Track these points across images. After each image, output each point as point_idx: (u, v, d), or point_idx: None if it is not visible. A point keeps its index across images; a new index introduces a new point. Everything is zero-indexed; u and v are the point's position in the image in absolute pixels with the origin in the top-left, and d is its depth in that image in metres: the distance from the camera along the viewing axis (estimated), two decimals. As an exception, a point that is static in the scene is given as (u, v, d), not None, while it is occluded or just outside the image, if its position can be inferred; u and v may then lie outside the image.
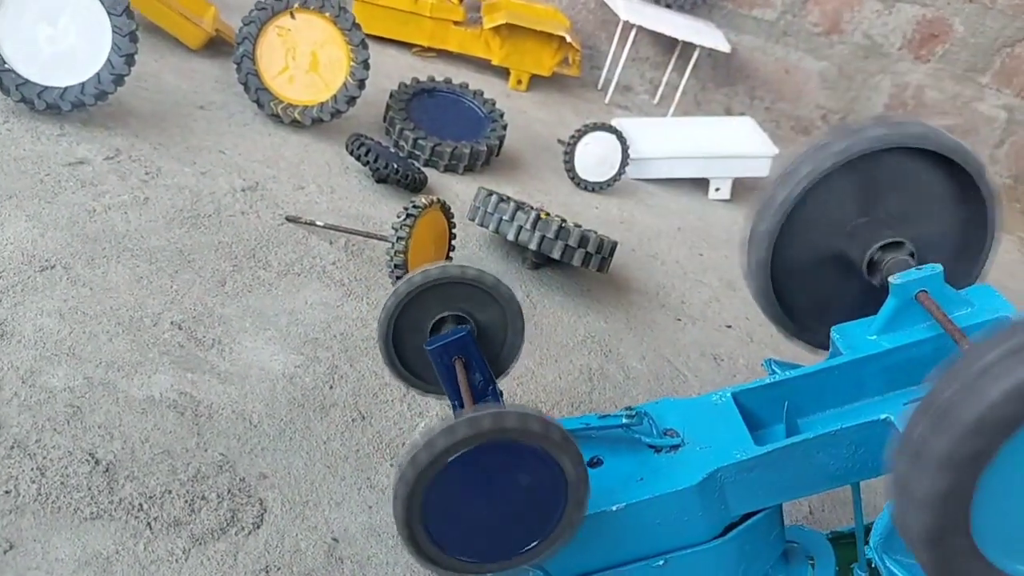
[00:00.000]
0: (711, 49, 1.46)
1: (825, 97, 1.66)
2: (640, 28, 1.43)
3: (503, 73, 1.40)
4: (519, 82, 1.40)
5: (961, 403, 0.36)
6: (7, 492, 0.48)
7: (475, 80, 1.24)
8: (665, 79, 1.56)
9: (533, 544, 0.43)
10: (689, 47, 1.48)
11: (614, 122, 1.22)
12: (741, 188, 1.27)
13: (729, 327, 0.92)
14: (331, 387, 0.64)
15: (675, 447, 0.49)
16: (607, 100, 1.48)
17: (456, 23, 1.38)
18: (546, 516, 0.42)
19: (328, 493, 0.55)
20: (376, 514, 0.55)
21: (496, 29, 1.35)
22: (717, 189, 1.24)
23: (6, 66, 0.82)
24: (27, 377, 0.56)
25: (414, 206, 0.73)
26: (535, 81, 1.43)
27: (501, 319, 0.52)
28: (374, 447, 0.60)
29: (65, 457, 0.51)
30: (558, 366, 0.76)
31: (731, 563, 0.48)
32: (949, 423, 0.36)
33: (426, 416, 0.64)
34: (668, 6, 1.49)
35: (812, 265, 0.54)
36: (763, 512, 0.48)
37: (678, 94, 1.51)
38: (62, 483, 0.50)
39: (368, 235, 0.79)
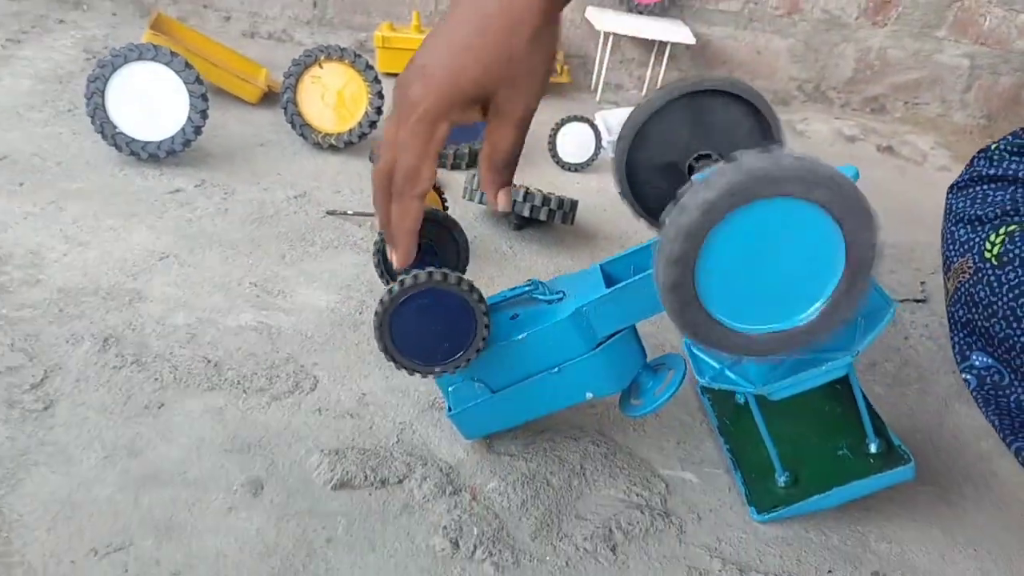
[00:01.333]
0: (680, 43, 1.71)
1: (797, 70, 1.88)
2: (616, 35, 1.69)
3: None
4: (518, 94, 1.67)
5: (688, 201, 0.57)
6: (156, 379, 0.77)
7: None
8: (648, 74, 1.80)
9: (458, 355, 0.68)
10: (662, 44, 1.73)
11: (597, 114, 1.48)
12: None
13: (679, 256, 1.16)
14: (360, 313, 0.91)
15: (559, 300, 0.73)
16: (598, 99, 1.74)
17: (461, 54, 1.66)
18: (464, 338, 0.67)
19: (359, 372, 0.82)
20: (391, 381, 0.81)
21: (492, 53, 1.63)
22: (686, 157, 1.48)
23: (118, 130, 1.14)
24: (159, 320, 0.85)
25: (411, 186, 1.00)
26: (533, 92, 1.70)
27: None
28: (391, 346, 0.87)
29: (188, 360, 0.80)
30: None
31: (604, 367, 0.71)
32: (684, 210, 0.52)
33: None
34: (640, 12, 1.75)
35: (655, 171, 0.72)
36: (621, 332, 0.72)
37: (658, 86, 1.75)
38: (188, 372, 0.78)
39: (384, 214, 1.07)
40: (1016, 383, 0.89)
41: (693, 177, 0.56)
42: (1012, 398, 0.89)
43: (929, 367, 0.99)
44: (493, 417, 0.72)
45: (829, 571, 0.69)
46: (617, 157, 0.72)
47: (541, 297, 0.72)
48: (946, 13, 1.83)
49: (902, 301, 1.13)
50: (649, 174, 0.74)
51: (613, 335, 0.69)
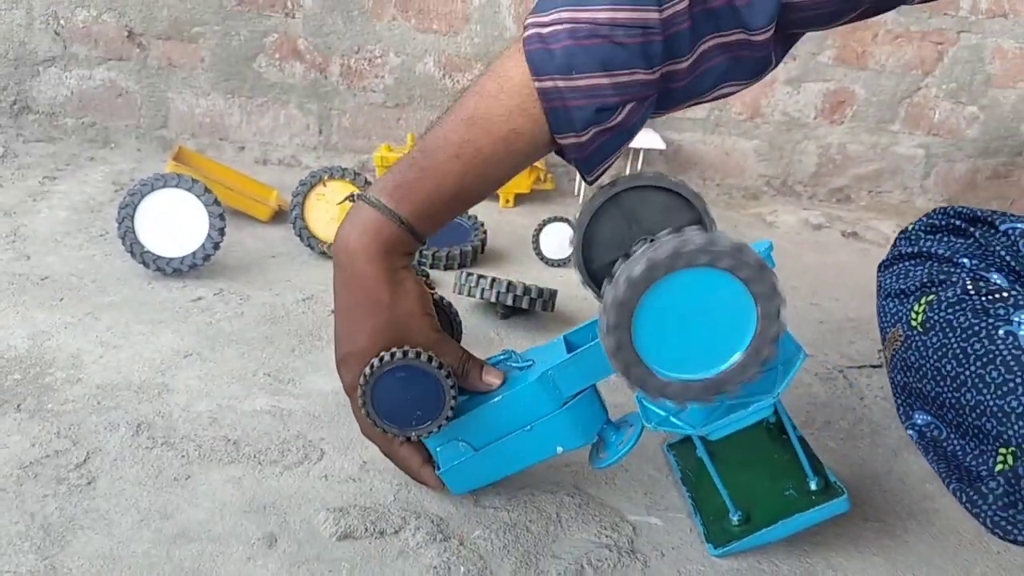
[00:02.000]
0: (652, 149, 1.87)
1: (764, 167, 2.04)
2: (593, 144, 1.85)
3: (495, 197, 1.84)
4: (507, 201, 1.82)
5: (618, 277, 0.65)
6: (183, 456, 0.88)
7: (473, 208, 1.66)
8: (626, 178, 1.96)
9: (428, 422, 0.77)
10: (636, 151, 1.89)
11: (572, 215, 1.62)
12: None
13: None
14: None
15: (529, 366, 0.85)
16: (580, 202, 1.90)
17: (453, 168, 1.82)
18: (435, 409, 0.75)
19: (360, 444, 0.93)
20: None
21: (481, 166, 1.79)
22: (661, 249, 1.62)
23: (146, 249, 1.28)
24: (184, 407, 0.97)
25: (404, 283, 1.13)
26: (521, 199, 1.85)
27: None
28: (389, 422, 0.98)
29: (211, 439, 0.91)
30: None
31: (571, 423, 0.81)
32: (616, 286, 0.64)
33: (423, 404, 1.02)
34: (614, 124, 1.92)
35: (606, 260, 0.82)
36: (584, 391, 0.83)
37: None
38: (211, 449, 0.89)
39: (382, 309, 1.20)
40: (951, 436, 0.99)
41: (619, 260, 0.69)
42: (949, 449, 0.99)
43: (881, 423, 1.09)
44: (477, 473, 0.82)
45: (778, 595, 0.78)
46: (574, 255, 0.85)
47: (513, 364, 0.84)
48: (898, 109, 2.00)
49: (860, 367, 1.24)
50: (602, 264, 0.85)
51: (577, 394, 0.80)
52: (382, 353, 0.74)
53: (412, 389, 0.75)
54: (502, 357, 0.85)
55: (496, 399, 0.79)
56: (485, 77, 0.70)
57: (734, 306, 0.66)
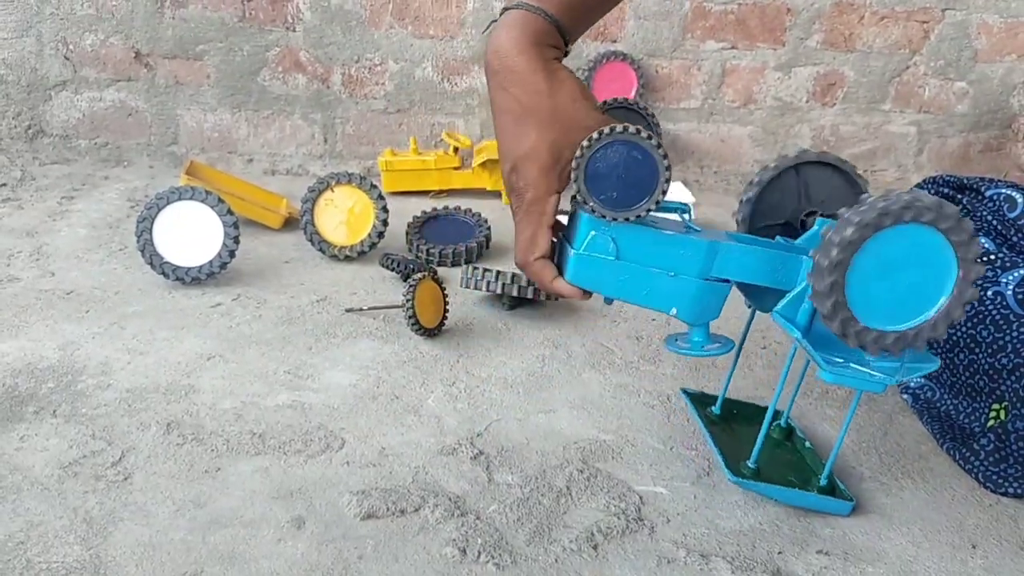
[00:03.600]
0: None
1: (759, 152, 2.08)
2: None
3: (497, 195, 1.89)
4: (509, 198, 1.87)
5: (833, 236, 0.69)
6: (212, 450, 0.93)
7: (477, 204, 1.72)
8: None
9: (641, 202, 0.71)
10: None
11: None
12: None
13: (653, 320, 1.32)
14: (377, 387, 1.08)
15: (700, 233, 0.80)
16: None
17: (455, 168, 1.87)
18: (647, 188, 0.71)
19: (379, 432, 0.98)
20: (405, 437, 0.97)
21: (483, 164, 1.84)
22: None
23: (164, 260, 1.34)
24: (211, 406, 1.02)
25: (412, 280, 1.18)
26: (523, 195, 1.90)
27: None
28: (405, 411, 1.03)
29: (238, 434, 0.96)
30: (522, 356, 1.18)
31: (699, 298, 0.79)
32: (827, 247, 0.70)
33: (435, 393, 1.07)
34: (611, 117, 1.96)
35: (773, 227, 0.88)
36: (728, 283, 0.79)
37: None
38: (238, 443, 0.95)
39: (392, 307, 1.25)
40: (944, 396, 1.04)
41: (840, 212, 0.73)
42: (942, 409, 1.03)
43: (877, 390, 1.13)
44: (602, 278, 0.77)
45: (779, 552, 0.82)
46: (742, 210, 0.89)
47: (691, 227, 0.85)
48: (888, 88, 2.03)
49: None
50: (765, 226, 0.90)
51: (723, 281, 0.80)
52: (593, 133, 0.69)
53: (625, 166, 0.70)
54: (681, 208, 0.85)
55: (668, 233, 0.76)
56: None
57: (938, 257, 0.71)
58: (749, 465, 0.88)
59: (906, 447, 1.01)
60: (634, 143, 0.71)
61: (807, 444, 0.95)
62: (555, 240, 0.79)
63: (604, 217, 0.73)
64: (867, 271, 0.70)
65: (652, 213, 0.76)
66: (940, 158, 2.08)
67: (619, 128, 0.69)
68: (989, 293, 0.99)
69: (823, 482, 0.87)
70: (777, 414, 1.00)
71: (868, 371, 0.77)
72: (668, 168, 0.71)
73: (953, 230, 0.69)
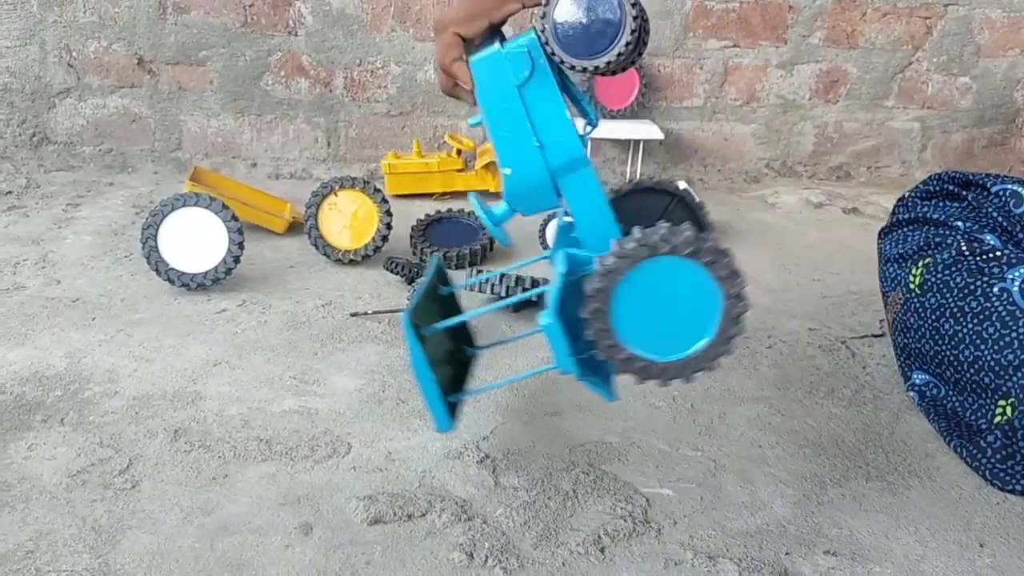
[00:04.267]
0: (652, 139, 1.92)
1: (762, 150, 2.08)
2: (594, 139, 1.90)
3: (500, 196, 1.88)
4: (513, 200, 1.87)
5: (598, 265, 0.74)
6: (219, 457, 0.94)
7: (479, 206, 1.72)
8: (628, 169, 2.01)
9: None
10: (636, 142, 1.94)
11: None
12: (684, 232, 1.69)
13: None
14: (383, 391, 1.08)
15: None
16: (585, 196, 1.94)
17: (458, 170, 1.88)
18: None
19: (385, 436, 0.98)
20: (411, 441, 0.98)
21: (486, 166, 1.84)
22: (665, 237, 1.66)
23: (170, 266, 1.34)
24: (217, 412, 1.02)
25: (417, 283, 1.18)
26: (527, 196, 1.90)
27: None
28: (411, 415, 1.03)
29: (244, 440, 0.97)
30: (527, 358, 1.18)
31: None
32: (592, 276, 0.71)
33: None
34: (613, 117, 1.97)
35: None
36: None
37: (637, 178, 1.95)
38: (245, 449, 0.95)
39: (397, 310, 1.25)
40: (950, 393, 1.03)
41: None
42: (948, 406, 1.03)
43: (883, 388, 1.13)
44: (493, 89, 0.78)
45: (787, 553, 0.82)
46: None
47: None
48: (891, 84, 2.03)
49: (862, 337, 1.28)
50: None
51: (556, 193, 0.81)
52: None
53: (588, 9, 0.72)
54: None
55: (567, 116, 0.77)
56: None
57: (701, 290, 0.72)
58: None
59: (913, 446, 1.01)
60: None
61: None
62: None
63: (562, 62, 0.73)
64: (633, 301, 0.72)
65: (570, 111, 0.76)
66: (944, 154, 2.08)
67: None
68: (995, 289, 0.98)
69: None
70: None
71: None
72: (635, 20, 0.71)
73: (715, 264, 0.70)
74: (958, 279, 1.03)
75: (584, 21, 0.73)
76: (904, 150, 2.05)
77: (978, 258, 1.03)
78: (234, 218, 1.33)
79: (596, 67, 0.74)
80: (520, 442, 0.98)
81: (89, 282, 1.38)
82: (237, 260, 1.34)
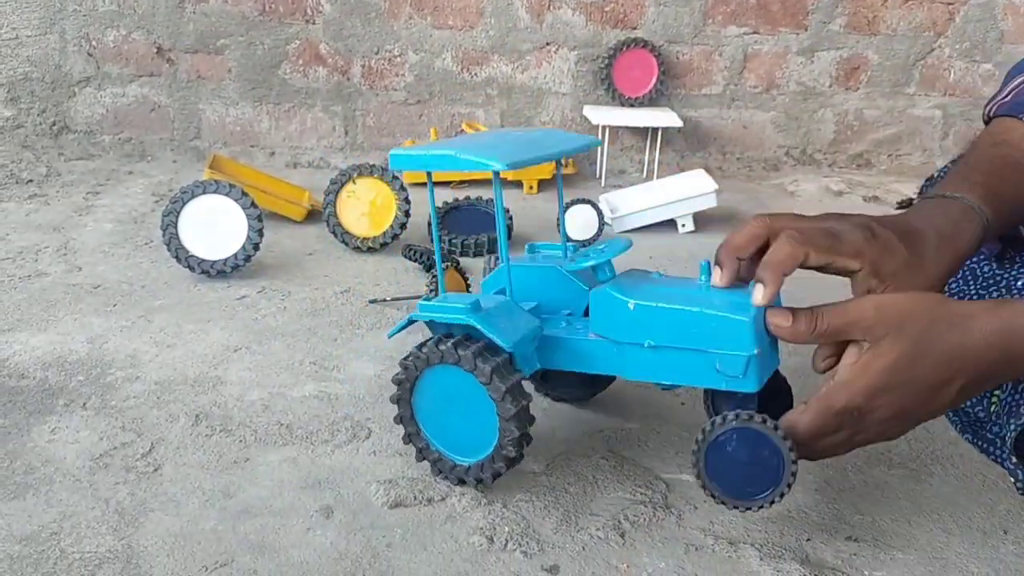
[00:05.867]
0: (670, 127, 1.91)
1: (782, 138, 2.06)
2: (612, 127, 1.90)
3: (519, 184, 1.88)
4: (531, 188, 1.87)
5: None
6: (241, 441, 0.94)
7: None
8: (647, 158, 2.00)
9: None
10: (655, 130, 1.93)
11: (601, 196, 1.67)
12: (703, 220, 1.68)
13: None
14: (403, 376, 1.08)
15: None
16: (603, 183, 1.93)
17: (476, 159, 1.87)
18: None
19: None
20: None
21: (504, 155, 1.84)
22: (683, 225, 1.65)
23: (190, 253, 1.35)
24: (238, 397, 1.03)
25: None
26: (545, 184, 1.90)
27: None
28: (430, 400, 1.03)
29: (265, 424, 0.97)
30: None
31: None
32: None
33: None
34: (631, 105, 1.96)
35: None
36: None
37: (656, 167, 1.94)
38: (266, 434, 0.95)
39: (415, 297, 1.25)
40: None
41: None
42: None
43: (905, 376, 1.12)
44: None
45: (808, 539, 0.82)
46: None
47: None
48: (912, 71, 2.01)
49: (883, 325, 1.27)
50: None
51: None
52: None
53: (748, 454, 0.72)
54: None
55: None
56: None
57: (478, 396, 0.78)
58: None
59: (935, 433, 1.00)
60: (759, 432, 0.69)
61: None
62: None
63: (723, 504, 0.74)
64: (431, 406, 0.81)
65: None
66: (966, 142, 2.05)
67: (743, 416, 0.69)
68: (1019, 284, 0.97)
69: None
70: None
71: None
72: (795, 462, 0.70)
73: (477, 372, 0.76)
74: (985, 268, 1.01)
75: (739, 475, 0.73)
76: (925, 138, 2.03)
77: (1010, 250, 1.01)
78: (253, 205, 1.34)
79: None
80: (540, 427, 0.97)
81: (110, 269, 1.39)
82: (257, 247, 1.34)
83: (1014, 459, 0.83)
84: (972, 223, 0.76)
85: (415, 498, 0.85)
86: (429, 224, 1.52)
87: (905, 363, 0.65)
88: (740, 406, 0.75)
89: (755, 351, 0.72)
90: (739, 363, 0.72)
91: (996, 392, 0.91)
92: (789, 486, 0.71)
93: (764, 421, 0.70)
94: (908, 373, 0.65)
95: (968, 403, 0.95)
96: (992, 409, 0.92)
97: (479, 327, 0.77)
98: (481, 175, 1.87)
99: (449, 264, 1.18)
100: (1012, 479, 0.87)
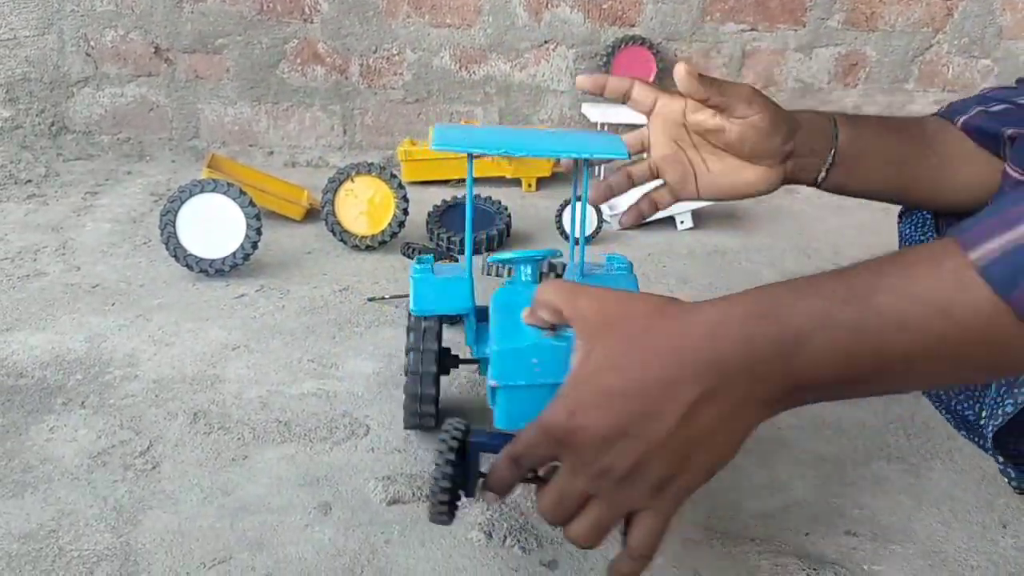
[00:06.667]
0: (668, 124, 1.90)
1: (781, 135, 2.05)
2: (610, 124, 1.89)
3: (517, 182, 1.88)
4: (529, 186, 1.86)
5: None
6: (239, 438, 0.94)
7: (497, 192, 1.71)
8: (647, 154, 2.00)
9: None
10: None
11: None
12: (701, 217, 1.68)
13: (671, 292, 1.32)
14: (400, 374, 1.08)
15: None
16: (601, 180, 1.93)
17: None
18: None
19: (402, 419, 0.99)
20: (428, 430, 0.98)
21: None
22: (682, 222, 1.65)
23: (188, 252, 1.35)
24: (236, 395, 1.03)
25: (435, 266, 1.18)
26: (543, 182, 1.90)
27: None
28: (429, 397, 1.03)
29: (263, 422, 0.97)
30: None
31: None
32: None
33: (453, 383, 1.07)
34: (630, 103, 1.95)
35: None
36: None
37: (654, 163, 1.93)
38: (264, 431, 0.95)
39: (415, 294, 1.25)
40: (953, 393, 1.02)
41: None
42: (953, 403, 1.02)
43: (904, 371, 1.12)
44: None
45: (806, 533, 0.82)
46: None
47: None
48: (911, 67, 2.01)
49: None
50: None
51: None
52: None
53: None
54: None
55: None
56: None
57: None
58: None
59: (934, 427, 1.00)
60: None
61: None
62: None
63: None
64: None
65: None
66: (965, 137, 2.04)
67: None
68: None
69: None
70: None
71: None
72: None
73: None
74: None
75: None
76: (924, 134, 2.02)
77: None
78: (252, 204, 1.34)
79: None
80: (538, 424, 0.97)
81: (108, 268, 1.39)
82: (255, 246, 1.34)
83: (1000, 458, 0.82)
84: (824, 122, 0.82)
85: (413, 495, 0.85)
86: (427, 222, 1.52)
87: (607, 361, 0.51)
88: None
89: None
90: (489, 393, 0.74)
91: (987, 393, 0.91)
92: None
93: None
94: (615, 374, 0.50)
95: (960, 405, 0.95)
96: (981, 413, 0.92)
97: None
98: (486, 173, 1.87)
99: (447, 262, 1.18)
100: (1005, 479, 0.87)
